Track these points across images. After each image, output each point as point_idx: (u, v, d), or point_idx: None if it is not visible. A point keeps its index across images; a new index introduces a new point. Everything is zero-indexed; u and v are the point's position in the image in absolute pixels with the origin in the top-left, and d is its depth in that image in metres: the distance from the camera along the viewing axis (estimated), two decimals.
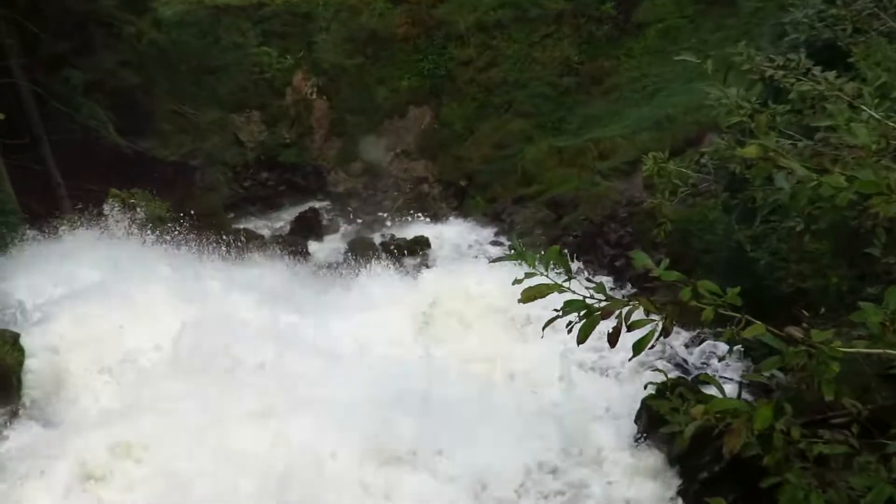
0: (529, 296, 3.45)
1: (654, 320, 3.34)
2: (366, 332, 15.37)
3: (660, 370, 4.07)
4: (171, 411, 11.91)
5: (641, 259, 3.69)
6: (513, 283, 3.54)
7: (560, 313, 3.37)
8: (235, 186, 26.64)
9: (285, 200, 27.15)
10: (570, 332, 3.43)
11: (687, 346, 15.72)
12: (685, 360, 15.39)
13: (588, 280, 3.58)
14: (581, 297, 3.38)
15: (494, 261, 3.67)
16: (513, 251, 3.66)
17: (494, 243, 22.28)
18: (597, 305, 3.35)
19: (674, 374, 14.91)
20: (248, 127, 27.71)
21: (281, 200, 27.14)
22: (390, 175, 27.65)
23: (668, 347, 15.27)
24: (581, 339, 3.37)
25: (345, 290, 18.14)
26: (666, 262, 3.65)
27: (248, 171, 27.13)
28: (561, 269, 3.54)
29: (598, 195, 21.09)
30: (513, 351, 15.26)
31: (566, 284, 3.43)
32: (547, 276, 3.45)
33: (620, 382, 14.49)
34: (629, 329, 3.38)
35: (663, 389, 4.35)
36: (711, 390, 3.95)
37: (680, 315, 3.45)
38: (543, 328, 3.55)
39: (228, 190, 26.19)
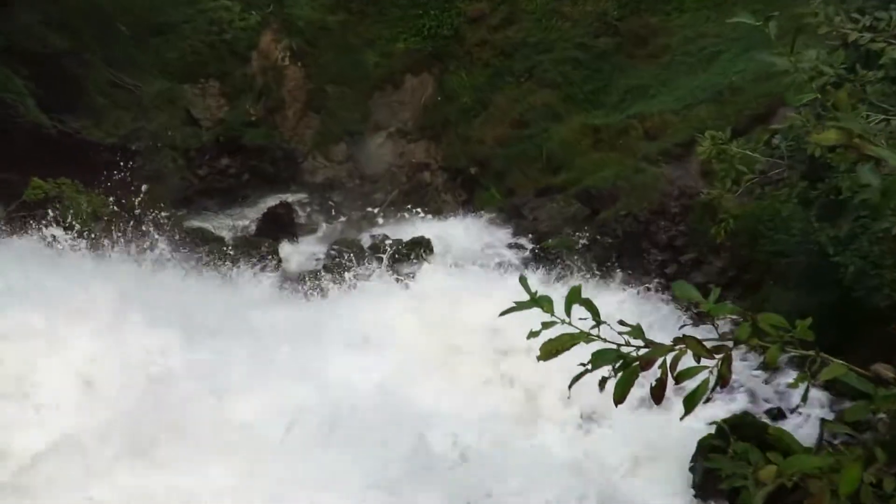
0: (550, 350, 3.42)
1: (708, 367, 3.34)
2: (355, 382, 14.70)
3: (720, 424, 4.04)
4: None
5: (685, 292, 3.68)
6: (528, 337, 3.54)
7: (589, 367, 3.37)
8: (188, 175, 26.64)
9: (251, 193, 27.15)
10: (602, 389, 3.44)
11: (757, 371, 15.68)
12: (753, 390, 15.36)
13: (621, 323, 3.58)
14: (614, 346, 3.40)
15: (504, 313, 3.64)
16: (521, 301, 3.63)
17: (513, 247, 22.26)
18: (634, 354, 3.35)
19: (739, 403, 14.91)
20: (203, 101, 27.74)
21: (245, 193, 27.15)
22: (382, 161, 27.66)
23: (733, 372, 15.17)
24: (618, 399, 3.36)
25: (324, 312, 18.09)
26: (716, 292, 3.63)
27: (204, 157, 27.12)
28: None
29: (644, 185, 21.08)
30: (544, 382, 15.30)
31: (595, 332, 3.43)
32: (570, 322, 3.45)
33: (669, 412, 14.50)
34: (677, 381, 3.37)
35: (724, 430, 4.35)
36: (786, 424, 3.91)
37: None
38: (570, 386, 3.56)
39: (179, 180, 26.22)
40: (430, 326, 17.17)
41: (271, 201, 25.91)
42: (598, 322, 3.43)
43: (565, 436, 14.87)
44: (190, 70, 27.72)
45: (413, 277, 20.41)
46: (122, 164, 23.25)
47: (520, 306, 3.63)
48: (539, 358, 3.44)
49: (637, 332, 3.44)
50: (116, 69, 25.96)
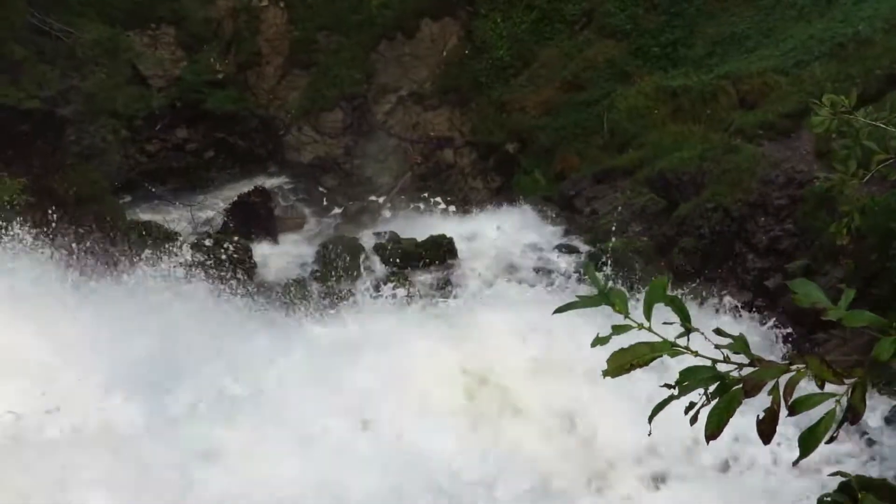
0: (622, 364, 3.34)
1: (835, 395, 3.29)
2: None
3: (843, 474, 3.99)
4: None
5: (806, 293, 3.62)
6: (592, 344, 3.48)
7: (674, 390, 3.31)
8: (134, 151, 26.74)
9: (216, 175, 27.23)
10: (693, 420, 3.38)
11: (888, 420, 15.59)
12: (880, 442, 15.26)
13: (718, 332, 3.53)
14: (709, 362, 3.34)
15: (561, 310, 3.59)
16: (586, 296, 3.59)
17: (563, 250, 22.20)
18: (735, 374, 3.31)
19: (862, 461, 14.82)
20: (154, 53, 27.84)
21: (209, 175, 27.24)
22: (390, 134, 27.73)
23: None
24: (712, 432, 3.30)
25: (309, 343, 17.86)
26: (849, 295, 3.58)
27: (155, 127, 27.23)
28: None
29: (738, 169, 20.99)
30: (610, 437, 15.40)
31: (683, 342, 3.37)
32: (649, 327, 3.40)
33: (778, 465, 14.46)
34: (792, 411, 3.32)
35: (850, 486, 4.31)
36: None
37: (877, 374, 3.39)
38: (652, 417, 3.50)
39: (122, 157, 26.25)
40: (453, 381, 17.06)
41: (243, 187, 25.97)
42: (689, 329, 3.37)
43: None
44: (137, 13, 27.87)
45: (431, 292, 20.33)
46: (46, 135, 23.26)
47: (583, 302, 3.59)
48: (605, 373, 3.37)
49: (740, 344, 3.36)
50: (40, 10, 26.02)
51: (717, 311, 18.73)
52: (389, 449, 14.71)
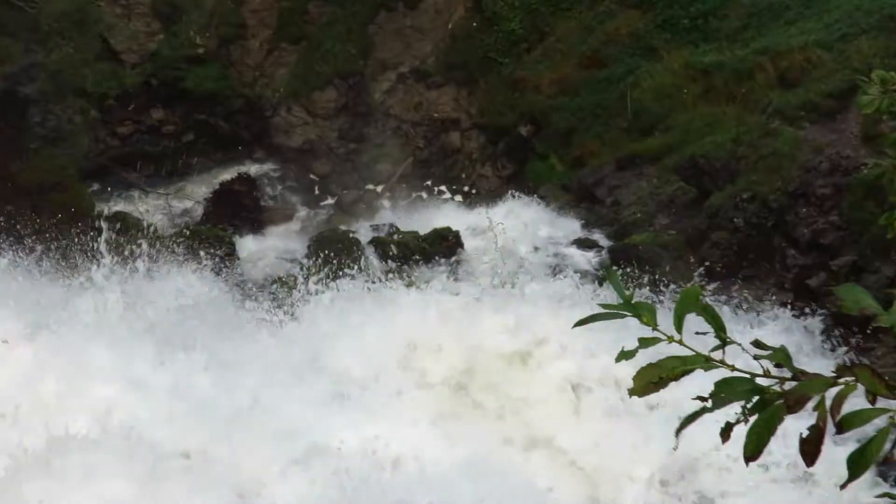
0: (649, 380, 3.35)
1: (888, 410, 3.27)
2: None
3: (890, 496, 3.99)
4: None
5: (855, 299, 3.61)
6: (617, 359, 3.47)
7: (708, 403, 3.29)
8: (104, 135, 26.73)
9: (196, 161, 27.21)
10: (726, 438, 3.35)
11: None
12: None
13: (756, 344, 3.51)
14: (747, 374, 3.33)
15: (582, 323, 3.59)
16: (609, 305, 3.58)
17: (583, 245, 22.16)
18: (776, 388, 3.30)
19: None
20: (127, 25, 27.81)
21: (188, 161, 27.23)
22: (390, 115, 27.73)
23: None
24: (752, 453, 3.28)
25: (298, 348, 17.82)
26: None
27: (128, 108, 27.22)
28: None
29: (778, 154, 20.95)
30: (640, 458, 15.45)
31: (717, 355, 3.35)
32: (680, 340, 3.38)
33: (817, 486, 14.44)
34: (840, 429, 3.29)
35: None
36: None
37: None
38: (678, 432, 3.48)
39: (91, 141, 26.26)
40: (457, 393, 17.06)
41: (226, 174, 26.09)
42: (724, 341, 3.36)
43: None
44: None
45: (438, 292, 20.28)
46: (6, 116, 23.23)
47: (606, 314, 3.59)
48: (632, 391, 3.38)
49: (781, 356, 3.35)
50: None
51: (753, 313, 18.68)
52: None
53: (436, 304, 18.53)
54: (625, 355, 3.44)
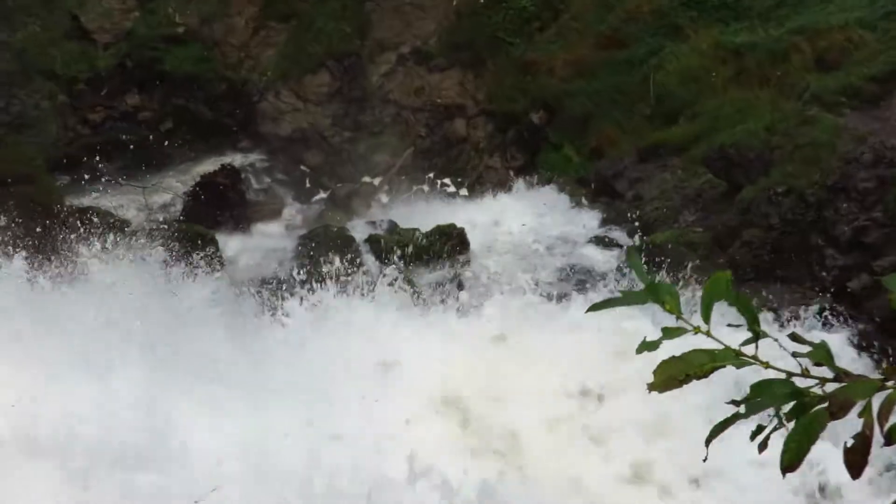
0: (672, 375, 3.24)
1: None
2: None
3: None
4: None
5: None
6: (638, 350, 3.39)
7: (741, 408, 3.16)
8: (74, 122, 26.82)
9: (175, 151, 27.28)
10: (761, 448, 3.23)
11: None
12: None
13: (794, 338, 3.39)
14: (783, 375, 3.20)
15: (596, 308, 3.52)
16: (628, 292, 3.47)
17: (601, 243, 22.12)
18: (817, 391, 3.11)
19: None
20: (99, 1, 27.84)
21: (166, 151, 27.31)
22: (388, 101, 27.77)
23: None
24: (790, 463, 3.18)
25: (289, 364, 17.87)
26: None
27: (101, 93, 27.30)
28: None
29: (815, 143, 20.89)
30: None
31: (749, 350, 3.22)
32: (708, 331, 3.24)
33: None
34: (889, 440, 3.17)
35: None
36: None
37: None
38: (709, 441, 3.38)
39: (60, 129, 26.39)
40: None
41: (208, 165, 26.13)
42: (758, 333, 3.24)
43: None
44: None
45: (442, 296, 20.24)
46: None
47: (625, 298, 3.51)
48: (651, 387, 3.34)
49: (822, 353, 3.29)
50: None
51: (787, 318, 18.66)
52: None
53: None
54: (646, 346, 3.42)
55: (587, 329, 17.19)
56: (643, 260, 19.57)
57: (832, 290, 19.32)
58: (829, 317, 18.65)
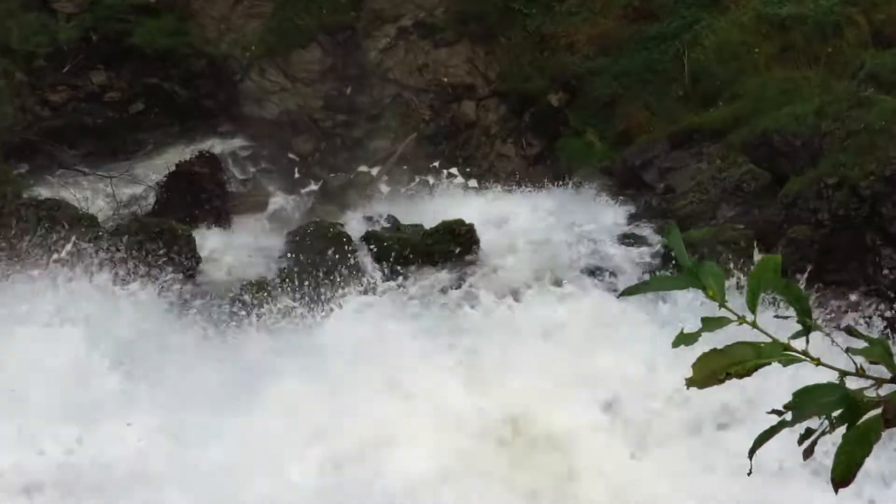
0: (713, 370, 3.33)
1: None
2: None
3: None
4: None
5: None
6: (674, 343, 3.46)
7: (787, 415, 3.27)
8: (33, 102, 26.86)
9: (146, 136, 27.34)
10: (807, 454, 3.33)
11: None
12: None
13: (849, 332, 3.52)
14: (837, 377, 3.30)
15: (628, 293, 3.62)
16: (665, 277, 3.63)
17: (629, 241, 22.11)
18: (875, 394, 3.23)
19: None
20: None
21: (137, 136, 27.36)
22: (388, 80, 27.86)
23: None
24: (842, 476, 3.27)
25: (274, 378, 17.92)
26: None
27: (63, 70, 27.31)
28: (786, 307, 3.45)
29: (871, 129, 20.95)
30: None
31: (798, 344, 3.33)
32: (754, 322, 3.35)
33: None
34: None
35: None
36: None
37: None
38: (752, 452, 3.49)
39: (17, 111, 26.45)
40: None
41: (184, 152, 26.13)
42: (809, 327, 3.34)
43: None
44: None
45: (451, 304, 20.32)
46: None
47: (660, 282, 3.62)
48: (689, 382, 3.39)
49: (879, 351, 3.34)
50: None
51: (837, 325, 18.72)
52: None
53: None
54: (684, 339, 3.40)
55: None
56: (675, 263, 19.75)
57: (890, 292, 19.41)
58: (886, 322, 18.81)
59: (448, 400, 17.23)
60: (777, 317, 3.47)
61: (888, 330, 18.73)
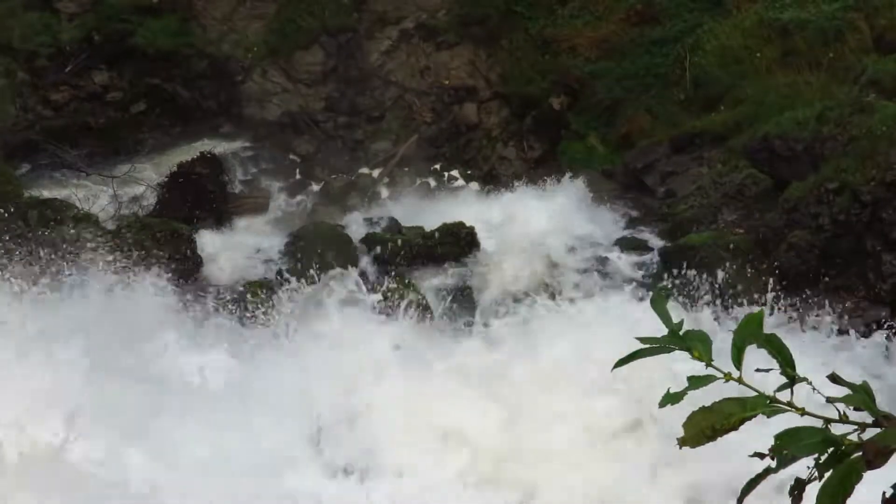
0: (703, 428, 3.33)
1: None
2: None
3: None
4: None
5: None
6: (661, 403, 3.47)
7: (772, 460, 3.27)
8: (35, 102, 26.81)
9: (148, 136, 27.29)
10: (796, 501, 3.34)
11: None
12: None
13: (833, 379, 3.52)
14: (818, 420, 3.31)
15: (622, 363, 3.60)
16: (652, 339, 3.61)
17: (629, 245, 22.11)
18: (855, 438, 3.25)
19: None
20: None
21: (138, 136, 27.30)
22: (389, 82, 27.79)
23: None
24: None
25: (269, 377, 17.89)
26: None
27: (65, 70, 27.25)
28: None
29: (872, 134, 20.93)
30: None
31: (783, 396, 3.34)
32: (740, 378, 3.37)
33: None
34: None
35: None
36: None
37: None
38: (742, 498, 3.49)
39: (19, 111, 26.44)
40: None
41: (185, 153, 26.05)
42: (792, 378, 3.36)
43: None
44: None
45: (452, 312, 20.31)
46: None
47: (649, 349, 3.59)
48: (681, 442, 3.39)
49: (861, 397, 3.36)
50: None
51: (839, 333, 18.67)
52: None
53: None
54: (670, 399, 3.43)
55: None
56: (676, 267, 19.74)
57: (890, 299, 19.40)
58: (887, 330, 18.76)
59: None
60: (759, 370, 3.48)
61: (886, 335, 18.73)
